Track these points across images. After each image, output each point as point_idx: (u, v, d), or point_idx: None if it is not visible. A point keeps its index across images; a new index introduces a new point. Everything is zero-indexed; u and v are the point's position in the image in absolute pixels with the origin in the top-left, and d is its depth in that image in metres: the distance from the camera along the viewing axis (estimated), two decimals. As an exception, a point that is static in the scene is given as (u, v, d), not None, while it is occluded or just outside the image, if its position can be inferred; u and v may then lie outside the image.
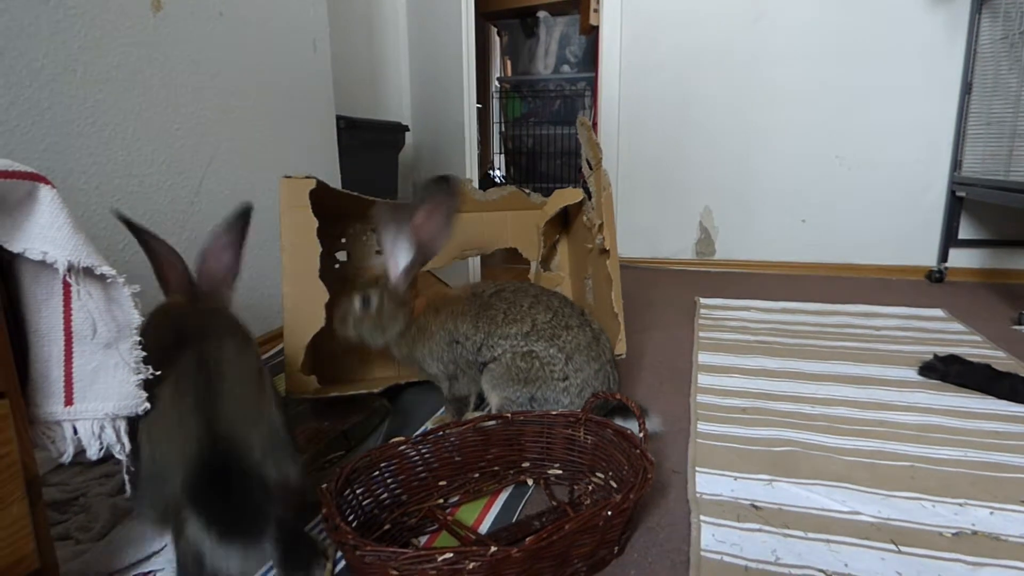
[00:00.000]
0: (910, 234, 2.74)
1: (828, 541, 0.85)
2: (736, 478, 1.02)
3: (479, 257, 2.48)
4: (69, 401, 0.66)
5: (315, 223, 1.26)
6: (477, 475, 1.01)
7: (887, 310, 2.09)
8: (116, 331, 0.66)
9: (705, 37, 2.83)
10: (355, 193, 1.42)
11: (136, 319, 0.68)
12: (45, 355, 0.65)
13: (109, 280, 0.64)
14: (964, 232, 2.67)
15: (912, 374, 1.49)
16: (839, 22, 2.65)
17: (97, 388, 0.67)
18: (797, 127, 2.80)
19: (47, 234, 0.59)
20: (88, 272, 0.62)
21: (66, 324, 0.65)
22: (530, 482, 1.02)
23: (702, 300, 2.28)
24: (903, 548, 0.83)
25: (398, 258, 1.15)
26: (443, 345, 1.18)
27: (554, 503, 0.96)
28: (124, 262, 1.32)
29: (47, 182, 0.59)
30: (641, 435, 0.92)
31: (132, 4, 1.33)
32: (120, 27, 1.29)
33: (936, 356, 1.48)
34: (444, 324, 1.18)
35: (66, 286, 0.63)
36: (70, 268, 0.60)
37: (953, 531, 0.86)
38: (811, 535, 0.86)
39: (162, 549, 0.85)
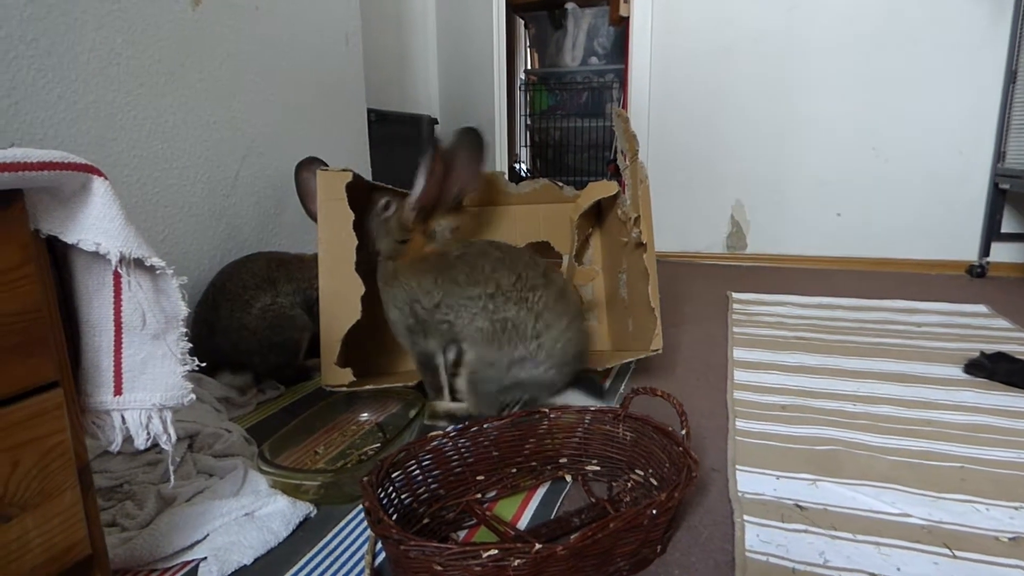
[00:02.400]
0: (950, 228, 2.66)
1: (878, 544, 0.82)
2: (778, 477, 1.00)
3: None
4: (118, 391, 0.67)
5: (351, 216, 1.26)
6: (515, 470, 1.00)
7: (928, 306, 2.04)
8: (164, 322, 0.67)
9: (738, 26, 2.78)
10: (388, 186, 1.42)
11: (183, 310, 0.68)
12: (96, 345, 0.65)
13: (158, 272, 0.65)
14: (1007, 226, 2.59)
15: (957, 372, 1.44)
16: (877, 9, 2.58)
17: (145, 379, 0.68)
18: (831, 118, 2.73)
19: (100, 225, 0.59)
20: (138, 263, 0.63)
21: (116, 315, 0.65)
22: (568, 478, 1.01)
23: (735, 295, 2.24)
24: (958, 552, 0.80)
25: (417, 186, 1.23)
26: (403, 298, 1.24)
27: (593, 500, 0.95)
28: (164, 254, 1.33)
29: (100, 174, 0.59)
30: (683, 432, 0.90)
31: (173, -1, 1.34)
32: (161, 22, 1.31)
33: (983, 353, 1.44)
34: (410, 279, 1.23)
35: (116, 277, 0.63)
36: (121, 259, 0.61)
37: (1010, 535, 0.83)
38: (860, 537, 0.84)
39: (205, 538, 0.86)
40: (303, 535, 0.89)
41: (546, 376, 1.19)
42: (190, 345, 0.69)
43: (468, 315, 1.19)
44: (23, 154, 0.53)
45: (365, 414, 1.26)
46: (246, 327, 1.32)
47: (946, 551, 0.81)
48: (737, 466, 1.04)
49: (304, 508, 0.92)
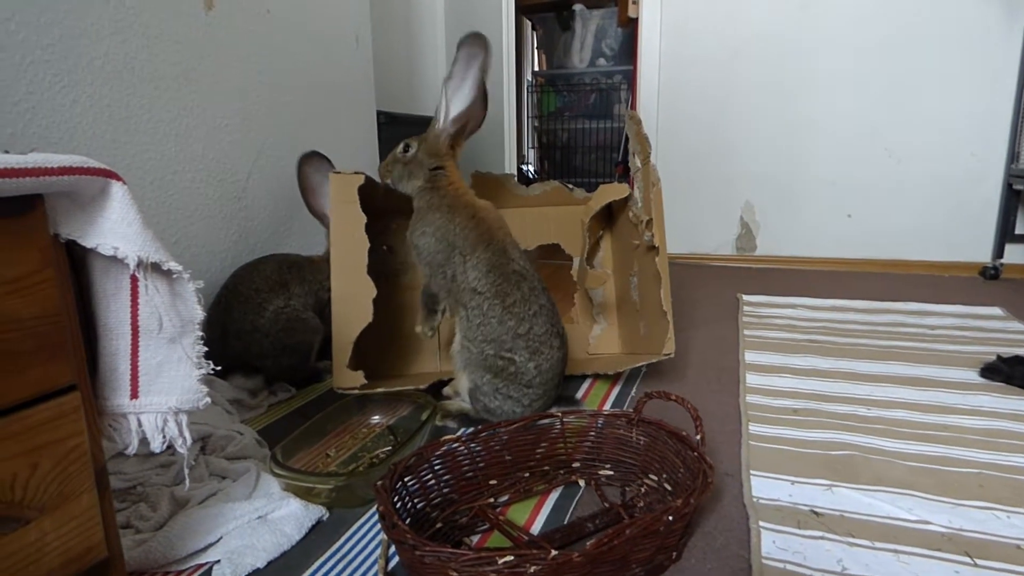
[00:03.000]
0: (963, 229, 2.64)
1: (896, 551, 0.82)
2: (793, 482, 0.99)
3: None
4: (135, 394, 0.67)
5: (363, 218, 1.27)
6: (527, 474, 1.00)
7: (942, 308, 2.02)
8: (180, 326, 0.67)
9: (749, 26, 2.76)
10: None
11: (199, 314, 0.68)
12: (113, 349, 0.65)
13: (175, 276, 0.65)
14: (1021, 227, 2.56)
15: (973, 376, 1.43)
16: (890, 8, 2.56)
17: (161, 382, 0.68)
18: (843, 118, 2.71)
19: (118, 229, 0.59)
20: (155, 267, 0.63)
21: (133, 319, 0.65)
22: (581, 483, 1.01)
23: (745, 297, 2.23)
24: (979, 561, 0.79)
25: (450, 107, 1.24)
26: (446, 236, 1.20)
27: (606, 505, 0.94)
28: (177, 256, 1.33)
29: (118, 178, 0.59)
30: (698, 437, 0.90)
31: (186, 3, 1.35)
32: (174, 26, 1.31)
33: (1000, 357, 1.43)
34: (466, 229, 1.20)
35: (133, 281, 0.64)
36: (139, 263, 0.61)
37: (1030, 543, 0.83)
38: (878, 544, 0.83)
39: (218, 541, 0.86)
40: (315, 539, 0.88)
41: (511, 414, 1.19)
42: (205, 348, 0.70)
43: (482, 327, 1.18)
44: (43, 159, 0.53)
45: (376, 417, 1.26)
46: (259, 330, 1.32)
47: (967, 559, 0.80)
48: (751, 471, 1.03)
49: (317, 511, 0.92)
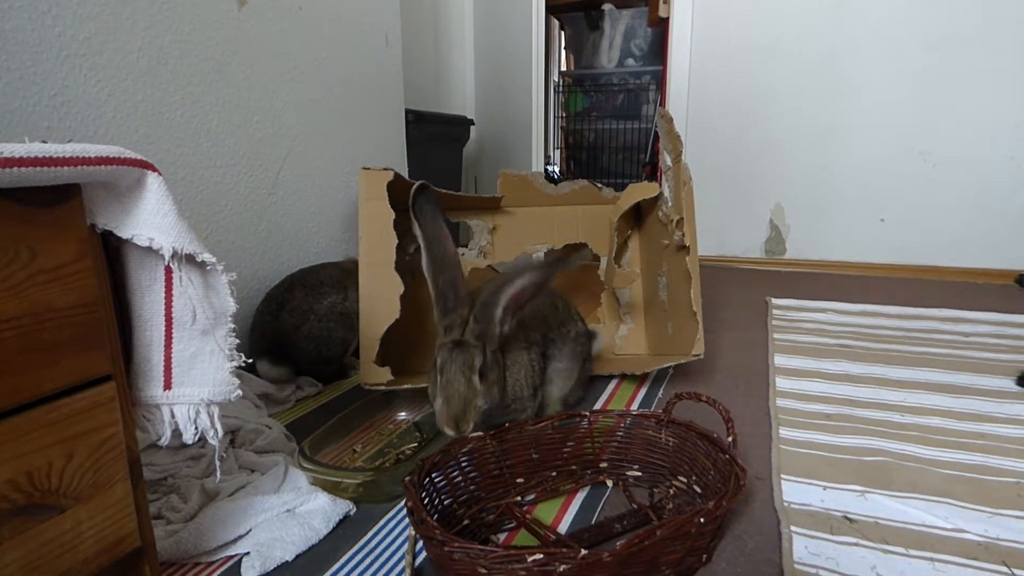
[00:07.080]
0: (999, 236, 2.56)
1: (932, 560, 0.79)
2: (825, 488, 0.97)
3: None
4: (168, 385, 0.68)
5: (392, 215, 1.27)
6: (554, 473, 0.99)
7: (976, 315, 1.97)
8: (213, 318, 0.67)
9: (782, 27, 2.72)
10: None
11: (232, 306, 0.68)
12: (147, 340, 0.66)
13: (209, 267, 0.65)
14: (1061, 234, 2.49)
15: (1010, 384, 1.39)
16: (928, 9, 2.49)
17: (194, 373, 0.68)
18: (878, 121, 2.65)
19: (154, 220, 0.60)
20: (190, 259, 0.63)
21: (167, 310, 0.66)
22: (609, 483, 0.99)
23: (774, 300, 2.19)
24: (1016, 571, 0.77)
25: (504, 322, 1.01)
26: (524, 349, 1.11)
27: (635, 506, 0.93)
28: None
29: (154, 169, 0.60)
30: (730, 439, 0.88)
31: (219, -1, 1.36)
32: (208, 22, 1.33)
33: (1038, 366, 1.38)
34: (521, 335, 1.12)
35: (168, 272, 0.64)
36: (174, 254, 0.61)
37: (1075, 556, 0.80)
38: (913, 552, 0.81)
39: (247, 533, 0.86)
40: (343, 533, 0.89)
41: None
42: (237, 341, 0.70)
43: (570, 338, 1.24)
44: (81, 149, 0.54)
45: (402, 413, 1.26)
46: (314, 312, 1.40)
47: (1004, 569, 0.77)
48: (782, 475, 1.01)
49: (344, 506, 0.92)
